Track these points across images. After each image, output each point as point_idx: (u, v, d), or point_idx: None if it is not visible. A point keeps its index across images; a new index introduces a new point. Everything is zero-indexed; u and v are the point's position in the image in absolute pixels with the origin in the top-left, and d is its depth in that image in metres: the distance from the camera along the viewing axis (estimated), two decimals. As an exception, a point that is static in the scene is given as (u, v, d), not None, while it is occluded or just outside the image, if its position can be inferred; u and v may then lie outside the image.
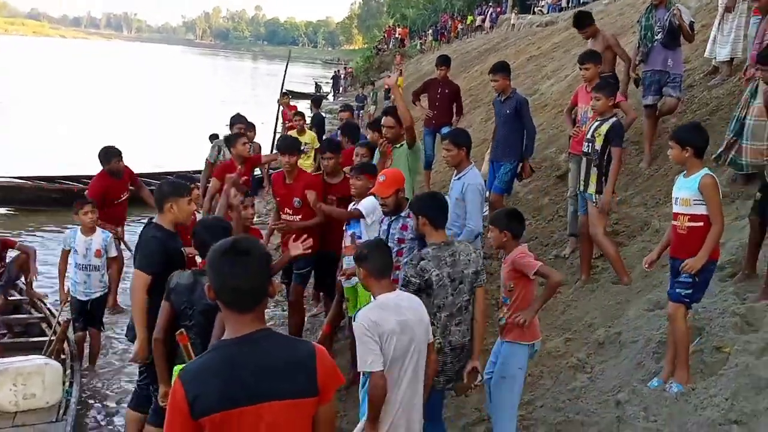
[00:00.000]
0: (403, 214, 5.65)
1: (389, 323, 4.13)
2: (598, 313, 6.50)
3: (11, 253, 8.42)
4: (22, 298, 8.68)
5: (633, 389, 5.12)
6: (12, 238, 8.83)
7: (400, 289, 4.57)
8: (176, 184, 5.68)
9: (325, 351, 2.81)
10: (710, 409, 4.51)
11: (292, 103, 18.29)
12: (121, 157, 8.90)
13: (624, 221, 7.83)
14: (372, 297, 4.44)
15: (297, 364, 2.67)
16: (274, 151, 8.02)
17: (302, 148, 9.87)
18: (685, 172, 5.06)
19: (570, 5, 30.85)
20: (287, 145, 7.48)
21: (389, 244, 5.29)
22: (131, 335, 5.66)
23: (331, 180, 7.43)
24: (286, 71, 19.39)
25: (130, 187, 9.18)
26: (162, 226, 5.48)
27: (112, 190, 8.83)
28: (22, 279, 8.57)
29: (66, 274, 7.73)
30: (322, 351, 2.76)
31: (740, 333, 5.11)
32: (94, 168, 9.21)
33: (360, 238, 6.24)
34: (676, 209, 5.05)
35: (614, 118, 6.71)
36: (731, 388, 4.57)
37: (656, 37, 8.38)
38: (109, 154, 8.83)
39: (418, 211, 4.97)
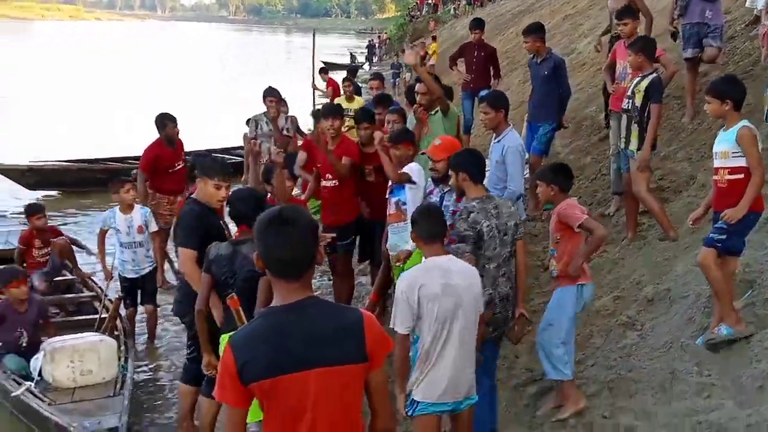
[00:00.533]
0: None
1: (432, 286, 4.17)
2: (646, 270, 6.44)
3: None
4: (73, 277, 8.86)
5: (684, 344, 5.08)
6: (58, 229, 9.06)
7: (457, 247, 4.71)
8: (210, 164, 5.66)
9: (373, 317, 2.83)
10: (765, 362, 4.47)
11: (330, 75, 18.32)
12: (176, 123, 8.99)
13: (669, 176, 7.72)
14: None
15: (345, 330, 2.69)
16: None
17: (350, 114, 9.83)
18: (725, 126, 5.00)
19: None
20: (330, 110, 7.49)
21: None
22: (178, 308, 5.75)
23: (368, 150, 7.37)
24: (314, 51, 19.14)
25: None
26: (198, 201, 5.51)
27: (164, 158, 8.95)
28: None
29: (107, 253, 7.91)
30: (369, 317, 2.78)
31: (793, 284, 5.04)
32: (135, 150, 9.32)
33: (405, 204, 6.23)
34: (716, 163, 5.03)
35: (654, 74, 6.62)
36: (785, 340, 4.52)
37: None
38: (164, 119, 8.96)
39: (457, 166, 5.08)
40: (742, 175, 4.80)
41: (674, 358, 5.01)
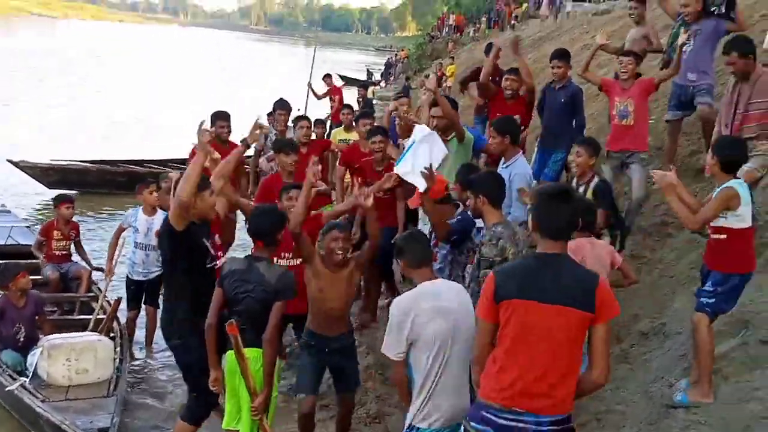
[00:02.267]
0: None
1: (423, 310, 4.12)
2: (643, 303, 6.45)
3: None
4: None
5: (675, 381, 5.09)
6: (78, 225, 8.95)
7: (484, 272, 4.73)
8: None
9: (608, 285, 3.58)
10: (753, 403, 4.47)
11: (340, 88, 17.87)
12: (226, 122, 8.61)
13: (672, 214, 7.69)
14: None
15: (583, 285, 3.38)
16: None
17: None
18: None
19: (627, -7, 30.13)
20: (286, 144, 7.23)
21: None
22: (165, 331, 5.65)
23: (378, 167, 7.41)
24: (314, 59, 18.75)
25: None
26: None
27: None
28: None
29: (121, 254, 7.90)
30: (604, 283, 3.46)
31: (788, 326, 5.03)
32: (155, 153, 9.05)
33: None
34: None
35: (596, 179, 6.17)
36: (776, 382, 4.51)
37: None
38: (213, 117, 8.55)
39: (478, 189, 4.97)
40: (724, 236, 4.76)
41: (664, 393, 5.02)
